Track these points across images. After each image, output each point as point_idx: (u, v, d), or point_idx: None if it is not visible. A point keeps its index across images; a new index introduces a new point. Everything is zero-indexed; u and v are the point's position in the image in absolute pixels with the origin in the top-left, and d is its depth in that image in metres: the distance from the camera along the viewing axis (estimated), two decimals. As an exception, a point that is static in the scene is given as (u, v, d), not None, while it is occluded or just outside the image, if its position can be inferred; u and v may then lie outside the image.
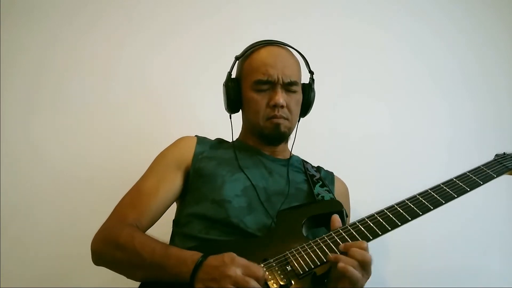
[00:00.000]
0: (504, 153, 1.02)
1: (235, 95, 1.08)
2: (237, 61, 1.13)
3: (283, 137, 1.09)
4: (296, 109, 1.08)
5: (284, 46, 1.11)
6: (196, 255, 0.76)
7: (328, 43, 1.70)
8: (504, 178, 1.05)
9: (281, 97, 1.02)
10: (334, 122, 1.60)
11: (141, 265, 0.80)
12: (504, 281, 1.43)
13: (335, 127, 1.59)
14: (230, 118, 1.12)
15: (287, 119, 1.05)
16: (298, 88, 1.09)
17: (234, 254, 0.74)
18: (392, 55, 1.73)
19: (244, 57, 1.11)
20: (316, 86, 1.15)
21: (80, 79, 1.58)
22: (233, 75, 1.13)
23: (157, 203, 0.97)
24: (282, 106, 1.02)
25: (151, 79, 1.61)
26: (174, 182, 1.01)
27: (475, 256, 1.47)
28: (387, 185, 1.48)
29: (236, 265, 0.71)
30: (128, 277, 0.86)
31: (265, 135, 1.06)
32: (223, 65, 1.57)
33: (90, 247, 0.91)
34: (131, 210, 0.94)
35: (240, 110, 1.13)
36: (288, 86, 1.04)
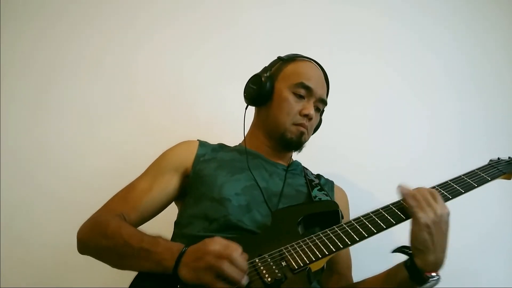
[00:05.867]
0: (498, 158, 1.05)
1: (269, 88, 1.09)
2: (278, 63, 1.15)
3: (300, 146, 1.13)
4: (313, 127, 1.15)
5: (324, 72, 1.17)
6: (181, 245, 0.78)
7: (329, 39, 1.69)
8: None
9: (312, 110, 1.07)
10: (335, 123, 1.58)
11: (128, 253, 0.82)
12: (504, 281, 1.42)
13: (336, 128, 1.54)
14: (246, 109, 1.14)
15: (308, 132, 1.10)
16: (322, 110, 1.17)
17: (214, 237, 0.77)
18: (401, 52, 1.70)
19: (288, 60, 1.14)
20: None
21: (82, 79, 1.60)
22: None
23: (148, 201, 0.99)
24: (310, 119, 1.08)
25: (152, 80, 1.62)
26: (168, 184, 1.02)
27: (475, 256, 1.46)
28: (392, 188, 1.46)
29: (215, 242, 0.74)
30: (112, 266, 0.87)
31: (286, 139, 1.08)
32: (222, 66, 1.59)
33: (77, 236, 0.92)
34: (121, 204, 0.97)
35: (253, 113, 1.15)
36: (319, 103, 1.11)
